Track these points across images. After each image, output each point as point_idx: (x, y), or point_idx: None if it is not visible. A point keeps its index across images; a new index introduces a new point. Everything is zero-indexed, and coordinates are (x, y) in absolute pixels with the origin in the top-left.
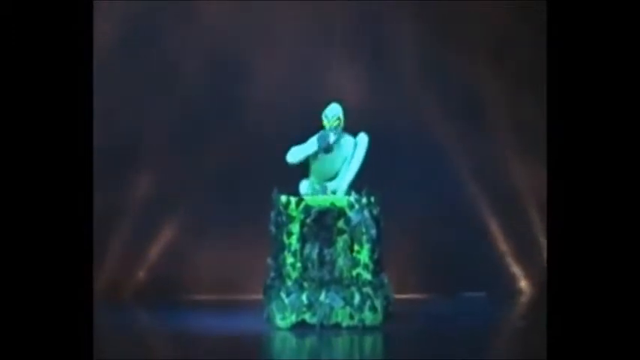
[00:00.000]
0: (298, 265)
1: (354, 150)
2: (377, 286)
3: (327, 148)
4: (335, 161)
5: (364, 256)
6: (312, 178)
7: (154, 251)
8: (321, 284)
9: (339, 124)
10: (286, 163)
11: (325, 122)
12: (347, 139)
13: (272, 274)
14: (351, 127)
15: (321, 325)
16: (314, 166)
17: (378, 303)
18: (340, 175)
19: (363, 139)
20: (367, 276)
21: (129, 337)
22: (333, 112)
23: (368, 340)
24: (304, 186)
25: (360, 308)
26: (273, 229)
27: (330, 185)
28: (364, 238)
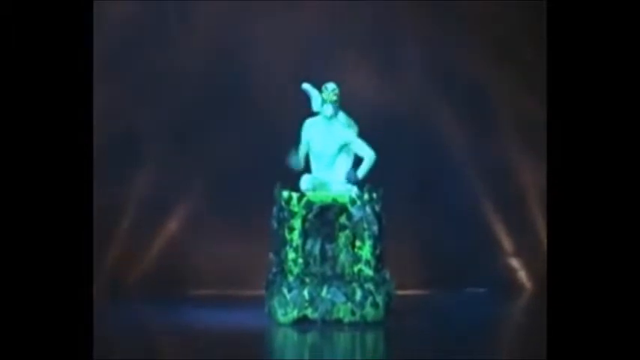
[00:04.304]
0: (300, 260)
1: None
2: (379, 282)
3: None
4: (330, 141)
5: (366, 252)
6: (313, 173)
7: (156, 246)
8: (323, 280)
9: (336, 100)
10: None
11: (324, 95)
12: (341, 116)
13: (274, 270)
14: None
15: (323, 321)
16: (311, 151)
17: (379, 299)
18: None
19: (370, 156)
20: (369, 272)
21: (129, 333)
22: (333, 86)
23: (369, 336)
24: (305, 181)
25: (362, 304)
26: (275, 224)
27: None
28: (366, 234)
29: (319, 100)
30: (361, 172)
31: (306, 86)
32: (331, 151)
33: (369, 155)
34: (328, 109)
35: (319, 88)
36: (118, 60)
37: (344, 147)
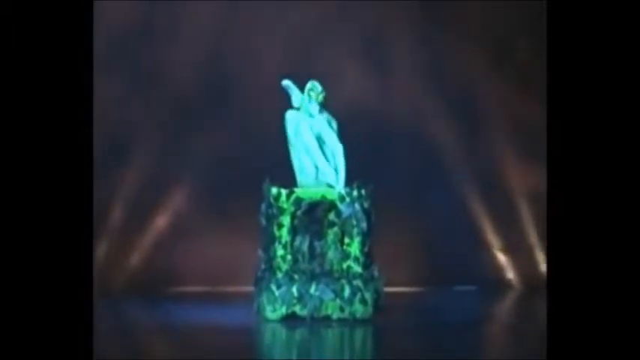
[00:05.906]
0: (289, 257)
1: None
2: (367, 279)
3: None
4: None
5: (355, 248)
6: (304, 169)
7: (144, 244)
8: (312, 277)
9: (322, 99)
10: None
11: (313, 94)
12: (324, 116)
13: (262, 266)
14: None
15: (311, 318)
16: (295, 146)
17: (368, 296)
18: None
19: (340, 149)
20: (357, 269)
21: (118, 330)
22: (319, 87)
23: (358, 333)
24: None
25: (350, 301)
26: (263, 220)
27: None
28: (355, 231)
29: (300, 97)
30: (341, 171)
31: (286, 83)
32: (315, 144)
33: (339, 148)
34: (315, 109)
35: (308, 86)
36: (113, 59)
37: (321, 138)
